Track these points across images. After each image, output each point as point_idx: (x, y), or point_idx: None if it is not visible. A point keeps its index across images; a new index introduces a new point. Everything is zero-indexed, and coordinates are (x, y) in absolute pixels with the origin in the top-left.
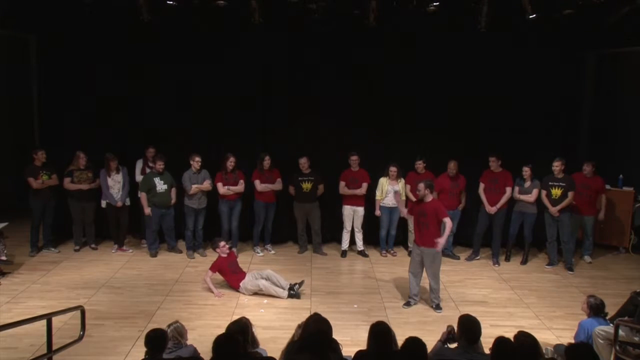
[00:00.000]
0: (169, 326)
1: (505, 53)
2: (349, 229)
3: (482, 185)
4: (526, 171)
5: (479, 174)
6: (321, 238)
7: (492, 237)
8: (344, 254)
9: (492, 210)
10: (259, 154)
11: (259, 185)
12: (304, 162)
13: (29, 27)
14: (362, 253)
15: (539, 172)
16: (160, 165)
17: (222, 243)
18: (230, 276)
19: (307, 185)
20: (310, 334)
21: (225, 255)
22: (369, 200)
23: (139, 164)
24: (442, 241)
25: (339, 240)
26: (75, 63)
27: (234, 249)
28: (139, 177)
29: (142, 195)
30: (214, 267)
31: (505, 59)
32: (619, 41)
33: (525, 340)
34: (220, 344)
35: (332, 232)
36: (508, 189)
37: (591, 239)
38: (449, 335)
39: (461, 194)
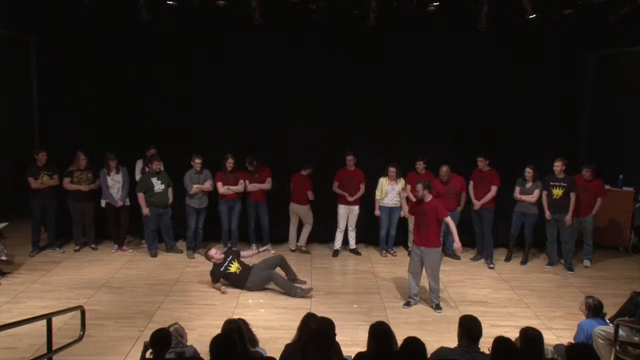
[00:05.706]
0: (169, 327)
1: (505, 53)
2: (343, 228)
3: (471, 183)
4: (529, 172)
5: None
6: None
7: (483, 238)
8: (335, 253)
9: (477, 204)
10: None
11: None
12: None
13: (29, 27)
14: (354, 251)
15: (538, 172)
16: (157, 166)
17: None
18: None
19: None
20: (316, 333)
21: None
22: (366, 200)
23: (139, 164)
24: (457, 245)
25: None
26: (75, 63)
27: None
28: (139, 177)
29: (140, 196)
30: None
31: (505, 58)
32: (619, 41)
33: (533, 334)
34: (218, 343)
35: (331, 231)
36: (494, 188)
37: (590, 242)
38: None
39: (460, 195)
